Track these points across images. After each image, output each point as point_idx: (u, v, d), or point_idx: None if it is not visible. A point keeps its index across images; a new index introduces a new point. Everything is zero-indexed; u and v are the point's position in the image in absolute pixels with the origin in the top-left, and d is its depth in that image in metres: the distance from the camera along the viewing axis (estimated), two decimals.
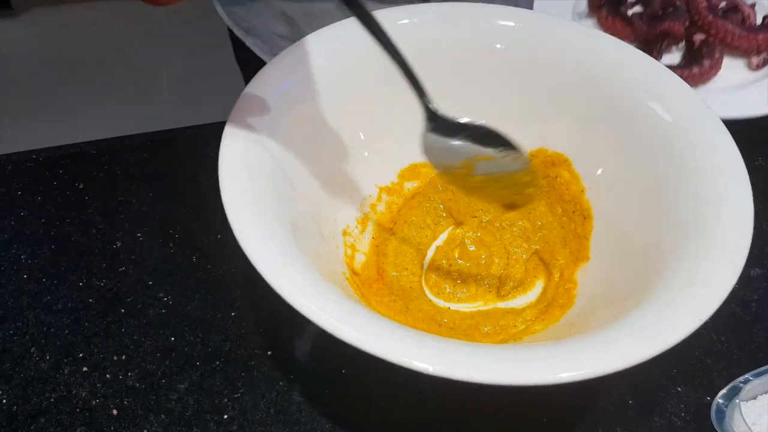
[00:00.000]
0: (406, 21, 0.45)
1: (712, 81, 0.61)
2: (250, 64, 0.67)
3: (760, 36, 0.62)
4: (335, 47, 0.43)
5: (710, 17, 0.62)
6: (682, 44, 0.64)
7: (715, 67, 0.60)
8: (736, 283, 0.43)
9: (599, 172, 0.44)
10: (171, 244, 0.47)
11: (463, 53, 0.45)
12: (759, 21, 0.66)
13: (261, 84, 0.40)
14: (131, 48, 2.43)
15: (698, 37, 0.62)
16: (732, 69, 0.62)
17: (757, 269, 0.47)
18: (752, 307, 0.45)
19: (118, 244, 0.47)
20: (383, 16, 0.39)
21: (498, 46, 0.45)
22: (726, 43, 0.62)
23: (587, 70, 0.43)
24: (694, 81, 0.60)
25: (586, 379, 0.28)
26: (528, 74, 0.45)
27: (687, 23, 0.63)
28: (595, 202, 0.44)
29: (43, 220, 0.49)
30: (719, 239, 0.34)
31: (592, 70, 0.43)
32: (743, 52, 0.63)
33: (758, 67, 0.62)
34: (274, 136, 0.38)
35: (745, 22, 0.65)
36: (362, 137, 0.44)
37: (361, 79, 0.44)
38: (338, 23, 0.44)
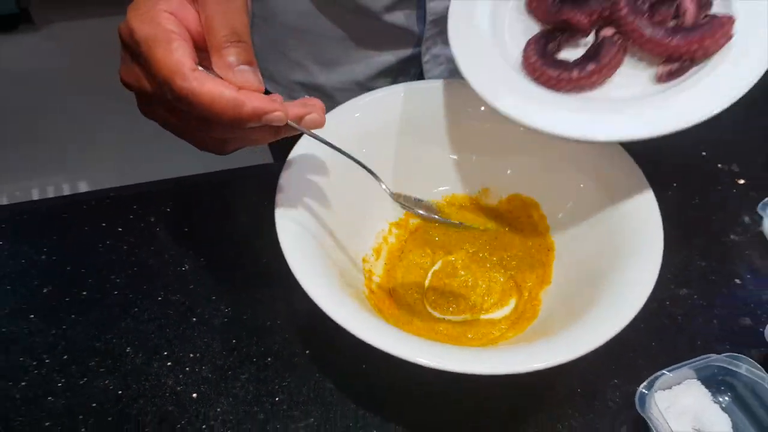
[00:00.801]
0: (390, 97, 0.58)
1: (613, 87, 0.51)
2: None
3: (674, 42, 0.49)
4: (354, 120, 0.57)
5: (624, 10, 0.51)
6: (591, 38, 0.54)
7: (610, 66, 0.51)
8: (667, 300, 0.57)
9: (560, 216, 0.57)
10: (228, 267, 0.60)
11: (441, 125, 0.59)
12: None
13: (301, 150, 0.53)
14: None
15: (606, 32, 0.52)
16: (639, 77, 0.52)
17: (685, 290, 0.60)
18: (678, 320, 0.58)
19: (186, 267, 0.60)
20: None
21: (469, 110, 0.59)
22: (634, 42, 0.51)
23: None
24: (589, 80, 0.50)
25: (546, 369, 0.41)
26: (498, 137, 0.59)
27: (595, 15, 0.52)
28: (557, 238, 0.57)
29: (125, 248, 0.62)
30: (637, 272, 0.47)
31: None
32: (655, 57, 0.52)
33: (661, 79, 0.50)
34: (314, 189, 0.52)
35: (679, 18, 0.52)
36: (381, 186, 0.58)
37: (379, 141, 0.58)
38: (354, 101, 0.57)
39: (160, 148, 2.14)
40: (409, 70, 0.71)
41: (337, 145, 0.48)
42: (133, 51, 0.40)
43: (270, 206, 0.61)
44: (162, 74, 0.38)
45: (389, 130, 0.58)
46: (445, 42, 0.70)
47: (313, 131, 0.44)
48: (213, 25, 0.40)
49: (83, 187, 2.04)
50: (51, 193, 2.01)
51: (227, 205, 0.66)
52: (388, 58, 0.72)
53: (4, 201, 1.98)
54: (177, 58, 0.38)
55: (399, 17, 0.68)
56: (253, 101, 0.39)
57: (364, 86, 0.74)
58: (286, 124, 0.41)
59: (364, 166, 0.50)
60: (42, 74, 2.44)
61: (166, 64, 0.38)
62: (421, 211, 0.56)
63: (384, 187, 0.52)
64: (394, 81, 0.74)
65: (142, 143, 2.16)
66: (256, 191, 0.66)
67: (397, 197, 0.54)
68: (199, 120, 0.40)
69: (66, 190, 2.03)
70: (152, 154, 2.13)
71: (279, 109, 0.40)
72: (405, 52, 0.72)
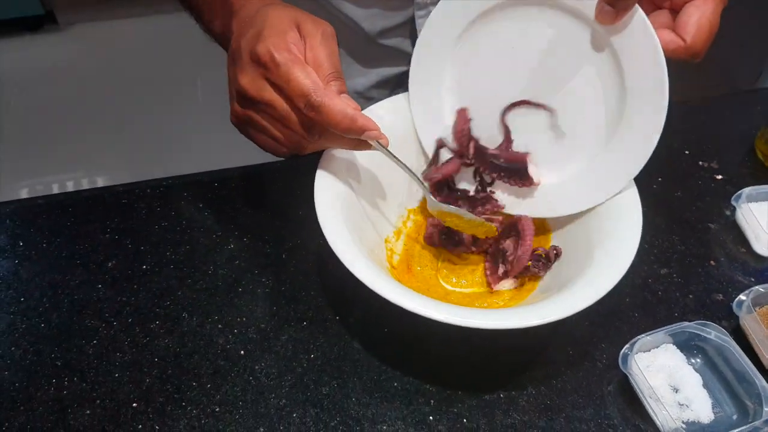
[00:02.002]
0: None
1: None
2: None
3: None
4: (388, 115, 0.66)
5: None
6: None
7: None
8: (649, 278, 0.65)
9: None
10: (268, 246, 0.70)
11: None
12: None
13: None
14: (179, 64, 2.60)
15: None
16: None
17: (665, 269, 0.69)
18: (659, 294, 0.67)
19: (232, 246, 0.70)
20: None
21: None
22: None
23: None
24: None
25: (544, 324, 0.50)
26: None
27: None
28: (552, 222, 0.66)
29: (177, 228, 0.71)
30: (618, 252, 0.56)
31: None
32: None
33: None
34: (347, 178, 0.61)
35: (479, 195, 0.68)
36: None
37: (405, 138, 0.66)
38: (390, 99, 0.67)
39: (174, 147, 2.25)
40: (405, 82, 0.81)
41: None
42: (270, 69, 0.51)
43: (303, 194, 0.70)
44: (301, 89, 0.50)
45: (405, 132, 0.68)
46: None
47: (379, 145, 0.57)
48: (321, 62, 0.53)
49: (101, 183, 2.13)
50: (71, 188, 2.08)
51: (266, 192, 0.75)
52: (385, 72, 0.84)
53: (24, 196, 2.07)
54: (314, 78, 0.51)
55: (393, 41, 0.79)
56: (363, 119, 0.52)
57: (363, 95, 0.87)
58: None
59: (413, 175, 0.61)
60: (65, 74, 2.52)
61: (305, 82, 0.50)
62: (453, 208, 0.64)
63: (430, 198, 0.63)
64: (392, 92, 0.86)
65: (159, 142, 2.26)
66: (291, 181, 0.76)
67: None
68: (308, 126, 0.52)
69: (85, 185, 2.12)
70: (167, 151, 2.23)
71: (377, 129, 0.53)
72: (400, 69, 0.83)
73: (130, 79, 2.52)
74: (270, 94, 0.52)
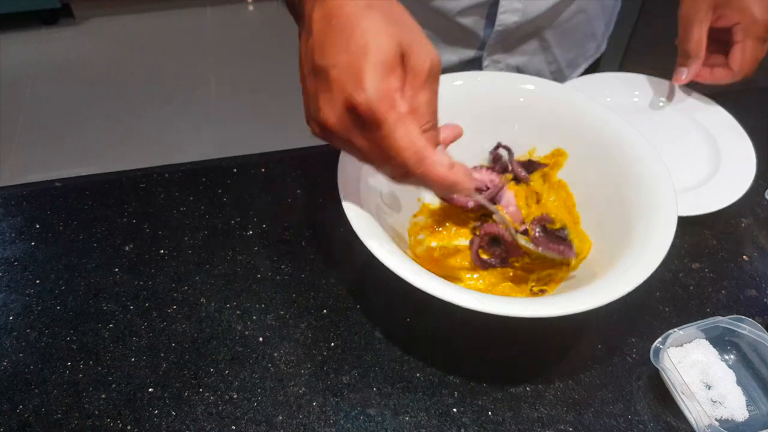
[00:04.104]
0: (460, 82, 0.66)
1: None
2: None
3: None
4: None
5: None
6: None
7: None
8: (680, 273, 0.63)
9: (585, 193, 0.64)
10: (287, 233, 0.68)
11: (500, 104, 0.66)
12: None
13: None
14: (193, 58, 2.61)
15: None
16: None
17: (697, 263, 0.67)
18: (690, 289, 0.65)
19: (251, 232, 0.68)
20: (445, 79, 0.61)
21: (522, 100, 0.66)
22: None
23: (581, 121, 0.64)
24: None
25: (569, 317, 0.48)
26: (540, 121, 0.66)
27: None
28: (582, 212, 0.64)
29: (196, 214, 0.70)
30: (652, 242, 0.54)
31: (585, 123, 0.64)
32: None
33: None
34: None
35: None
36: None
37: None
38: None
39: (188, 139, 2.25)
40: (471, 68, 0.79)
41: None
42: (367, 127, 0.43)
43: (324, 181, 0.69)
44: (402, 159, 0.43)
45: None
46: (506, 50, 0.79)
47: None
48: (420, 110, 0.44)
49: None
50: None
51: (286, 179, 0.73)
52: (452, 57, 0.81)
53: None
54: (416, 146, 0.43)
55: (469, 21, 0.77)
56: (461, 181, 0.46)
57: None
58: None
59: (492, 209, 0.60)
60: (81, 67, 2.54)
61: (406, 154, 0.43)
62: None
63: (500, 218, 0.61)
64: None
65: (174, 134, 2.26)
66: (311, 168, 0.74)
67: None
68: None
69: None
70: (182, 144, 2.23)
71: (471, 187, 0.48)
72: (468, 53, 0.81)
73: (145, 72, 2.53)
74: (361, 142, 0.45)
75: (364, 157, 0.47)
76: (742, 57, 0.73)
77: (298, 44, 0.47)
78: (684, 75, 0.76)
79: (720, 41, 0.75)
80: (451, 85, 0.65)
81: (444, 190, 0.46)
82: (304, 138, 0.83)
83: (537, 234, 0.61)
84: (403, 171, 0.45)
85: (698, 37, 0.74)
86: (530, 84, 0.66)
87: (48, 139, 2.24)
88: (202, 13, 2.84)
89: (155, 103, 2.40)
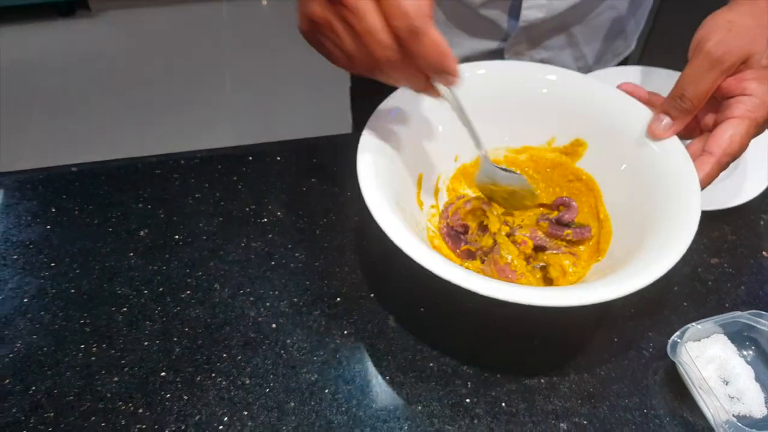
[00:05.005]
0: (483, 71, 0.65)
1: None
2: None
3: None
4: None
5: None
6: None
7: None
8: (699, 267, 0.62)
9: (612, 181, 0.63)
10: (301, 221, 0.68)
11: (521, 94, 0.66)
12: None
13: (386, 105, 0.60)
14: (208, 50, 2.62)
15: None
16: None
17: (716, 259, 0.66)
18: (708, 284, 0.64)
19: (265, 219, 0.68)
20: (468, 67, 0.61)
21: (544, 90, 0.65)
22: None
23: (602, 112, 0.63)
24: None
25: (586, 308, 0.47)
26: (560, 110, 0.65)
27: None
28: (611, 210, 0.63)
29: (211, 200, 0.70)
30: (675, 233, 0.53)
31: (606, 113, 0.63)
32: None
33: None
34: (393, 148, 0.58)
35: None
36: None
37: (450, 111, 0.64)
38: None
39: (204, 131, 2.25)
40: (494, 59, 0.78)
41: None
42: None
43: (340, 170, 0.69)
44: (405, 8, 0.44)
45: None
46: (531, 44, 0.79)
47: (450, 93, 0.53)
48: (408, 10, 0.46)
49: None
50: None
51: (301, 167, 0.73)
52: (474, 48, 0.80)
53: None
54: (418, 2, 0.45)
55: (493, 14, 0.76)
56: (453, 59, 0.47)
57: None
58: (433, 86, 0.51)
59: (472, 130, 0.58)
60: (97, 59, 2.56)
61: (409, 3, 0.44)
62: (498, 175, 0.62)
63: (482, 152, 0.61)
64: None
65: (189, 127, 2.27)
66: (327, 156, 0.74)
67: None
68: (393, 50, 0.47)
69: None
70: (198, 135, 2.24)
71: (459, 75, 0.49)
72: (491, 45, 0.80)
73: (160, 64, 2.54)
74: (364, 3, 0.46)
75: (366, 29, 0.47)
76: (730, 141, 0.55)
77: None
78: (665, 129, 0.59)
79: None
80: (474, 74, 0.64)
81: (435, 60, 0.47)
82: (317, 128, 0.83)
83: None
84: (405, 28, 0.45)
85: (709, 86, 0.56)
86: (552, 74, 0.65)
87: (63, 128, 2.26)
88: (217, 8, 2.85)
89: (171, 94, 2.41)
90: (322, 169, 0.73)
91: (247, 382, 0.55)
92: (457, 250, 0.62)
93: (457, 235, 0.63)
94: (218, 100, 2.40)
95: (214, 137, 2.22)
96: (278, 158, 0.74)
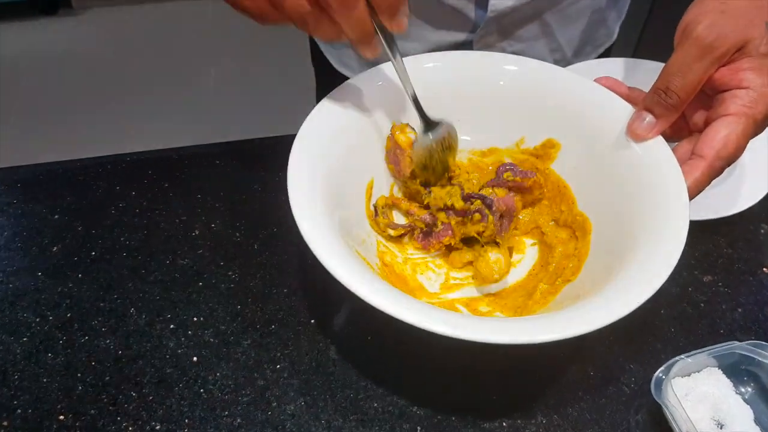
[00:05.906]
0: (431, 64, 0.57)
1: None
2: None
3: None
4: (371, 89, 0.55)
5: None
6: None
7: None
8: (689, 287, 0.54)
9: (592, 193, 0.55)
10: (238, 234, 0.60)
11: (477, 87, 0.57)
12: None
13: (318, 116, 0.52)
14: (192, 49, 2.56)
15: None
16: None
17: (708, 276, 0.58)
18: (700, 307, 0.56)
19: (197, 232, 0.60)
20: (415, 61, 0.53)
21: (501, 83, 0.57)
22: None
23: (576, 109, 0.55)
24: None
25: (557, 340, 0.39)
26: (527, 107, 0.57)
27: None
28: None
29: (137, 210, 0.61)
30: (660, 248, 0.45)
31: (582, 109, 0.55)
32: None
33: None
34: (327, 158, 0.50)
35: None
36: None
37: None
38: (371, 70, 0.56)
39: (187, 129, 2.18)
40: None
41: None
42: None
43: (281, 177, 0.60)
44: None
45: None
46: (502, 34, 0.71)
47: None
48: None
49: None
50: None
51: (240, 174, 0.65)
52: (439, 40, 0.71)
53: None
54: None
55: (458, 2, 0.68)
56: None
57: None
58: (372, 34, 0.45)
59: (412, 94, 0.52)
60: (79, 57, 2.50)
61: None
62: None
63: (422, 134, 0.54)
64: None
65: (172, 124, 2.20)
66: (267, 162, 0.66)
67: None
68: None
69: None
70: (179, 135, 2.16)
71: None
72: (458, 37, 0.72)
73: (144, 63, 2.49)
74: None
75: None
76: (725, 142, 0.47)
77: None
78: (647, 128, 0.50)
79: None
80: (422, 67, 0.56)
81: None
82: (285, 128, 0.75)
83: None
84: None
85: (698, 77, 0.48)
86: (513, 65, 0.57)
87: (42, 127, 2.19)
88: (203, 5, 2.78)
89: (153, 93, 2.34)
90: (268, 174, 0.65)
91: (158, 427, 0.47)
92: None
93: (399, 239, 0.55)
94: (202, 99, 2.33)
95: (197, 137, 2.15)
96: (217, 162, 0.66)
